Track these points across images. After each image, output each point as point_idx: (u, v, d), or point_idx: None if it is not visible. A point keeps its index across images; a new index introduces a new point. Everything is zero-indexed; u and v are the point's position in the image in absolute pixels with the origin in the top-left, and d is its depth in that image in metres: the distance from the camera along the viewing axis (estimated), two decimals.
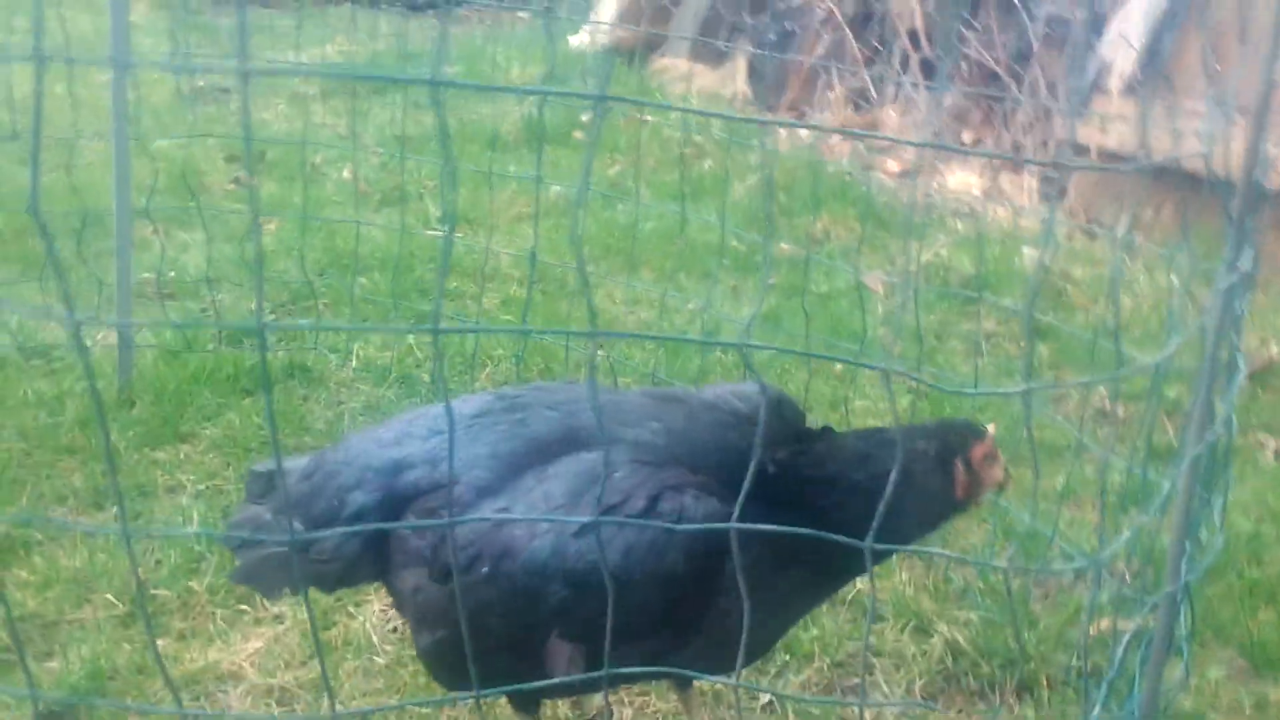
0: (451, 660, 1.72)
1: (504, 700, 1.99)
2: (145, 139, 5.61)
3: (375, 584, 2.01)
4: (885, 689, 2.25)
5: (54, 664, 2.20)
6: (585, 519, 1.60)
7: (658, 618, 1.65)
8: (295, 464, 1.94)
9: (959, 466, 1.75)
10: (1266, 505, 2.87)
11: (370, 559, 1.79)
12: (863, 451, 1.75)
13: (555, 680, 1.55)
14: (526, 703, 1.90)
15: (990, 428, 1.81)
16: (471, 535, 1.68)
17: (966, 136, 6.40)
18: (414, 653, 2.25)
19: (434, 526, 1.67)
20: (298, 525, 1.81)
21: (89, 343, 3.49)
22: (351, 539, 1.75)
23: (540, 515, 1.66)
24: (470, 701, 2.14)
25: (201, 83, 6.70)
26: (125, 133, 3.16)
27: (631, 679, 1.87)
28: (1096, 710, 1.69)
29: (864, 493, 1.66)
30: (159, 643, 2.26)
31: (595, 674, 1.31)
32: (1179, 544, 1.65)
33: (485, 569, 1.66)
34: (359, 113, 6.15)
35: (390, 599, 1.91)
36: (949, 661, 2.32)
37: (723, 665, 1.79)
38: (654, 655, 1.60)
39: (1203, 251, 4.58)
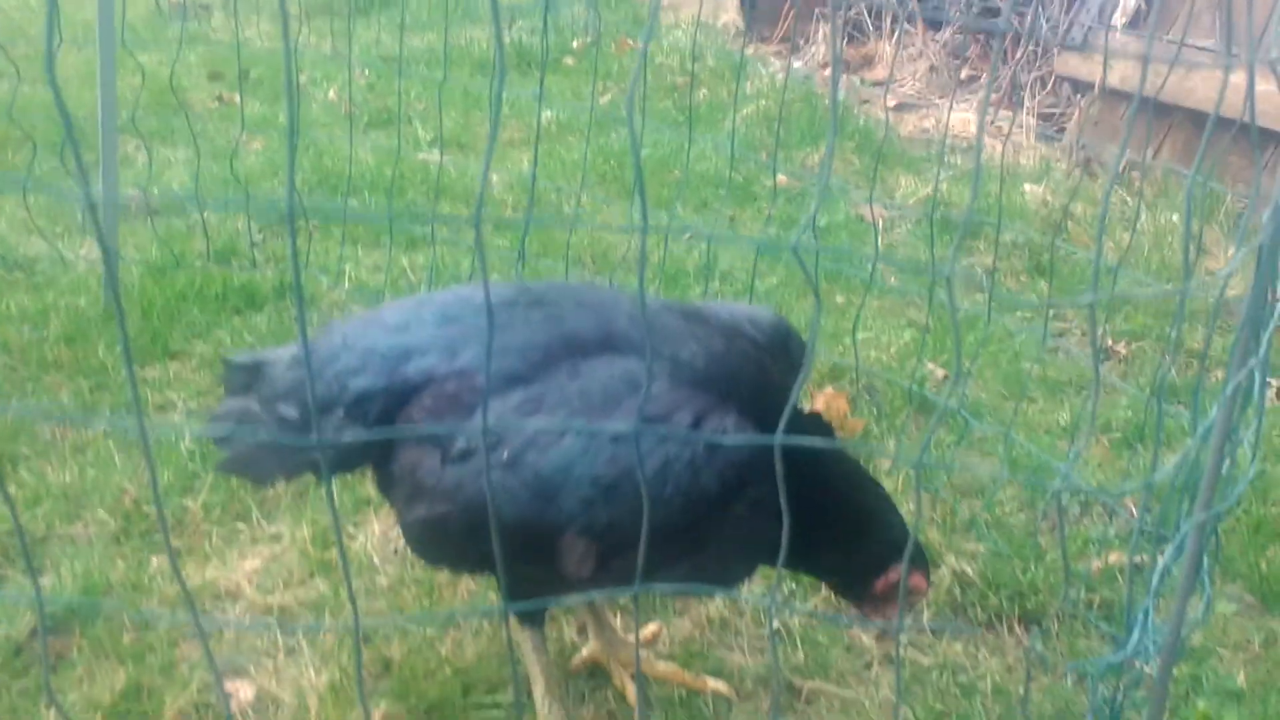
0: (442, 538, 1.70)
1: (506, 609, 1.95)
2: (125, 53, 5.46)
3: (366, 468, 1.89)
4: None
5: (46, 580, 2.14)
6: (624, 425, 1.56)
7: (674, 534, 1.61)
8: (280, 353, 1.88)
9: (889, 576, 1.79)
10: (1272, 445, 2.85)
11: (371, 444, 1.72)
12: (860, 502, 1.82)
13: (573, 588, 1.48)
14: (535, 608, 1.85)
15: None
16: (496, 420, 1.63)
17: (964, 73, 6.31)
18: (417, 574, 2.21)
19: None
20: (291, 412, 1.76)
21: (72, 257, 3.39)
22: (355, 422, 1.69)
23: (571, 419, 1.61)
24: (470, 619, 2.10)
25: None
26: (112, 42, 3.04)
27: (650, 589, 1.82)
28: (1129, 650, 1.66)
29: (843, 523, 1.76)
30: (153, 560, 2.21)
31: (628, 589, 1.25)
32: (1215, 470, 1.61)
33: (505, 455, 1.61)
34: (342, 33, 5.98)
35: (380, 483, 1.82)
36: (957, 593, 2.30)
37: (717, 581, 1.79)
38: (655, 569, 1.56)
39: (1207, 188, 4.55)
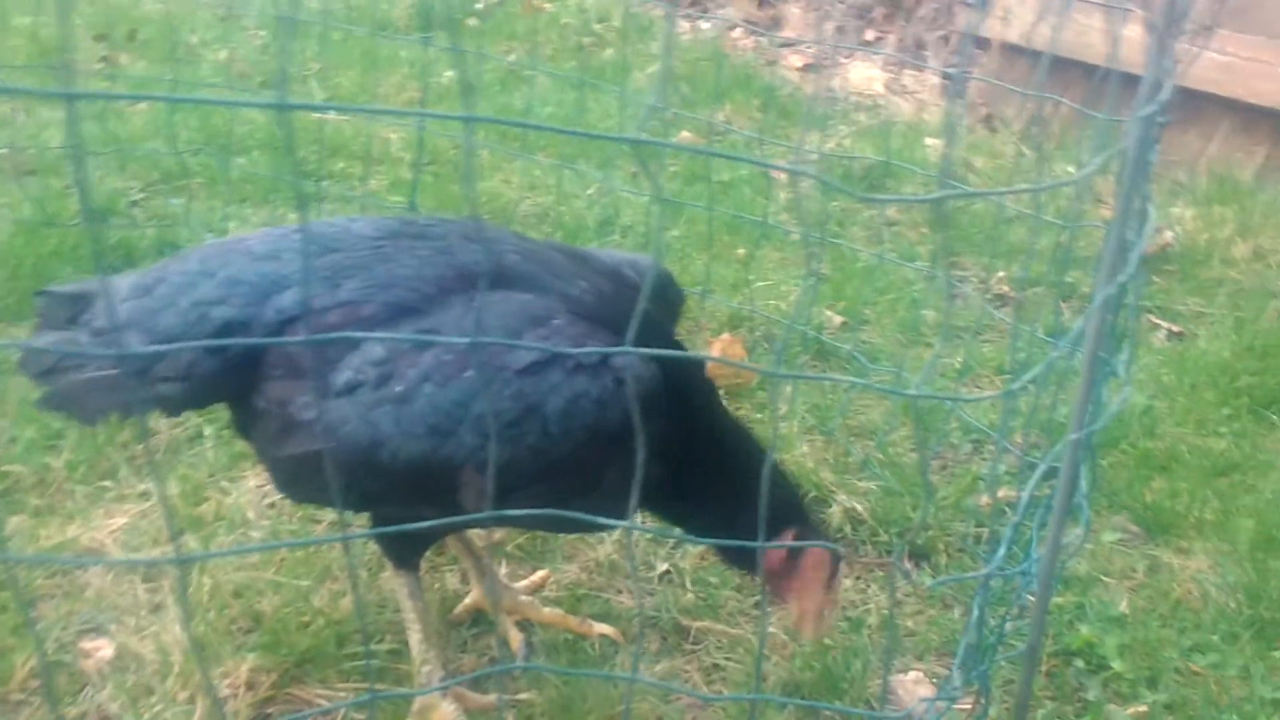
0: (318, 475, 1.59)
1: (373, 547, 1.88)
2: (5, 15, 5.22)
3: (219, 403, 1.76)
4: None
5: None
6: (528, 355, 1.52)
7: (575, 470, 1.57)
8: (115, 281, 1.75)
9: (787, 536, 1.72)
10: (1160, 382, 2.89)
11: (231, 377, 1.62)
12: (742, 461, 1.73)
13: (441, 521, 1.42)
14: (408, 553, 1.79)
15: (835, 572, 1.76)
16: (385, 352, 1.55)
17: (869, 35, 6.32)
18: (292, 527, 2.14)
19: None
20: (130, 342, 1.62)
21: None
22: (210, 355, 1.60)
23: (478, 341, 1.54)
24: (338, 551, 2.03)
25: None
26: None
27: (516, 521, 1.76)
28: (993, 567, 1.65)
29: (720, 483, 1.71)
30: (11, 520, 2.10)
31: (482, 515, 1.19)
32: (1086, 388, 1.60)
33: (399, 388, 1.54)
34: None
35: (239, 420, 1.72)
36: (848, 529, 2.29)
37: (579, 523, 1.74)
38: (552, 502, 1.52)
39: (1101, 143, 4.61)
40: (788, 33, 6.38)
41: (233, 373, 1.61)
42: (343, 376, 1.55)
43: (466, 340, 1.12)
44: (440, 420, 1.52)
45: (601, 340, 1.58)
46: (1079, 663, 1.96)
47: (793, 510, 1.76)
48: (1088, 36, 4.75)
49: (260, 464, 1.74)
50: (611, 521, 1.26)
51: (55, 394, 1.65)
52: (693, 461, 1.72)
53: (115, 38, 5.08)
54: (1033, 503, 2.24)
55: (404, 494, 1.57)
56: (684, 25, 6.36)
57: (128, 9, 5.44)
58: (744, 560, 1.81)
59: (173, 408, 1.70)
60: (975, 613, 1.65)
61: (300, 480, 1.65)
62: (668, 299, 2.01)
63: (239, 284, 1.64)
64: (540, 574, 2.11)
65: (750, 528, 1.70)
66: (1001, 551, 1.59)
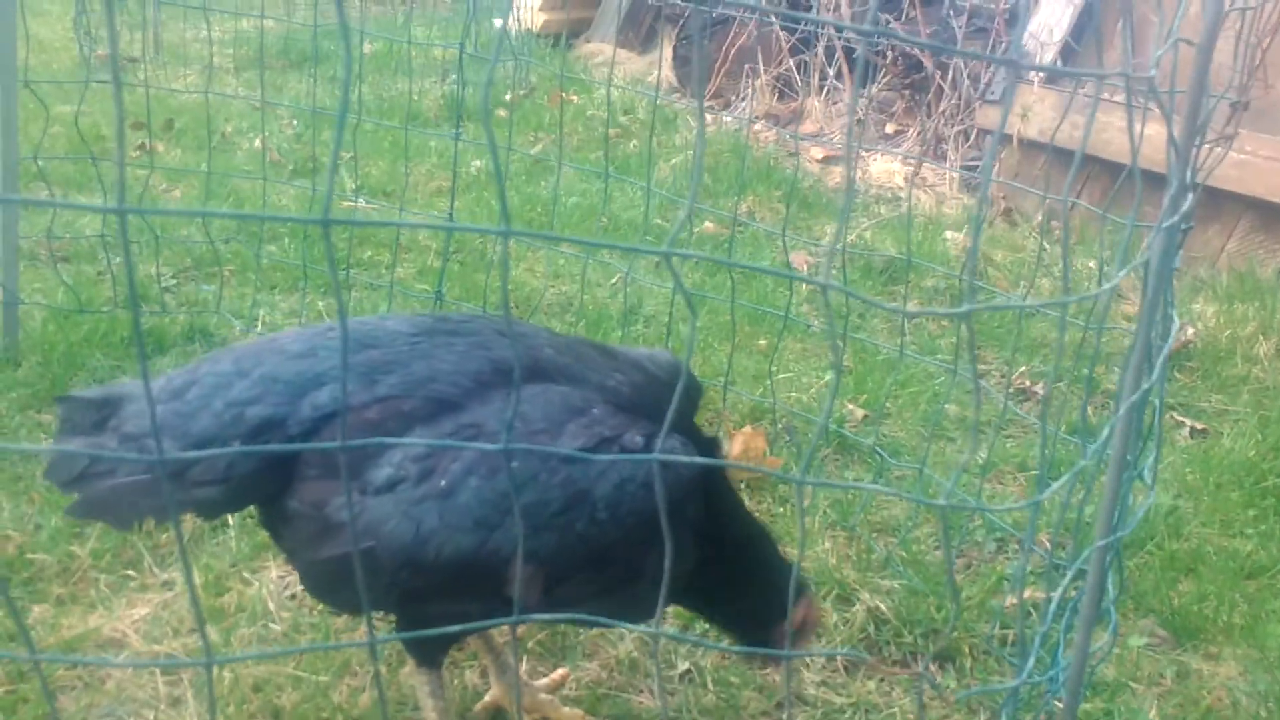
0: (353, 579, 1.59)
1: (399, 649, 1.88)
2: (44, 103, 5.37)
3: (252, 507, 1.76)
4: (807, 658, 2.18)
5: None
6: (574, 448, 1.55)
7: (623, 554, 1.58)
8: (137, 387, 1.75)
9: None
10: (1184, 481, 2.87)
11: (268, 477, 1.62)
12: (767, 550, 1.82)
13: (470, 626, 1.42)
14: (433, 651, 1.78)
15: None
16: (424, 448, 1.56)
17: (890, 128, 6.41)
18: (313, 619, 2.13)
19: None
20: (167, 448, 1.61)
21: None
22: (248, 457, 1.60)
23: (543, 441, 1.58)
24: (365, 659, 2.02)
25: (105, 51, 6.41)
26: (13, 83, 2.97)
27: (549, 619, 1.76)
28: (1023, 677, 1.63)
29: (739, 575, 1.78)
30: (35, 609, 2.10)
31: (503, 620, 1.20)
32: (1113, 494, 1.60)
33: (443, 482, 1.54)
34: (271, 86, 5.96)
35: (270, 521, 1.71)
36: (871, 630, 2.26)
37: (632, 618, 1.75)
38: (598, 591, 1.53)
39: (1122, 242, 4.64)
40: (809, 126, 6.49)
41: (270, 473, 1.61)
42: (382, 473, 1.56)
43: (498, 446, 1.12)
44: (487, 513, 1.53)
45: (640, 429, 1.60)
46: None
47: (798, 586, 1.80)
48: (1106, 134, 4.81)
49: (293, 567, 1.73)
50: (637, 627, 1.26)
51: (86, 501, 1.64)
52: (720, 550, 1.73)
53: (152, 126, 5.20)
54: (1059, 605, 2.22)
55: (449, 590, 1.57)
56: (706, 119, 6.47)
57: (165, 99, 5.57)
58: (759, 638, 1.82)
59: (209, 511, 1.70)
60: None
61: (337, 585, 1.63)
62: (688, 391, 2.03)
63: (274, 382, 1.65)
64: (560, 672, 2.09)
65: (767, 608, 1.75)
66: (1031, 660, 1.57)
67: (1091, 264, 4.43)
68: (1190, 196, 1.53)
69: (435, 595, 1.59)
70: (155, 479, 1.61)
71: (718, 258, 1.48)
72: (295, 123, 5.65)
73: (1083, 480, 2.58)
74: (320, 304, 3.52)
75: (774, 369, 3.21)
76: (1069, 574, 1.58)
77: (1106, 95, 4.89)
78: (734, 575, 1.74)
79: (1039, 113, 5.14)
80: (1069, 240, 4.71)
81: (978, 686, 2.14)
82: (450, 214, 3.39)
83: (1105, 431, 1.49)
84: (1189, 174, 1.56)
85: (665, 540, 1.17)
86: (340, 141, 0.90)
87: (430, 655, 1.78)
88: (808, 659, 2.18)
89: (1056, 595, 1.71)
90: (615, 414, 1.63)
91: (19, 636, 2.01)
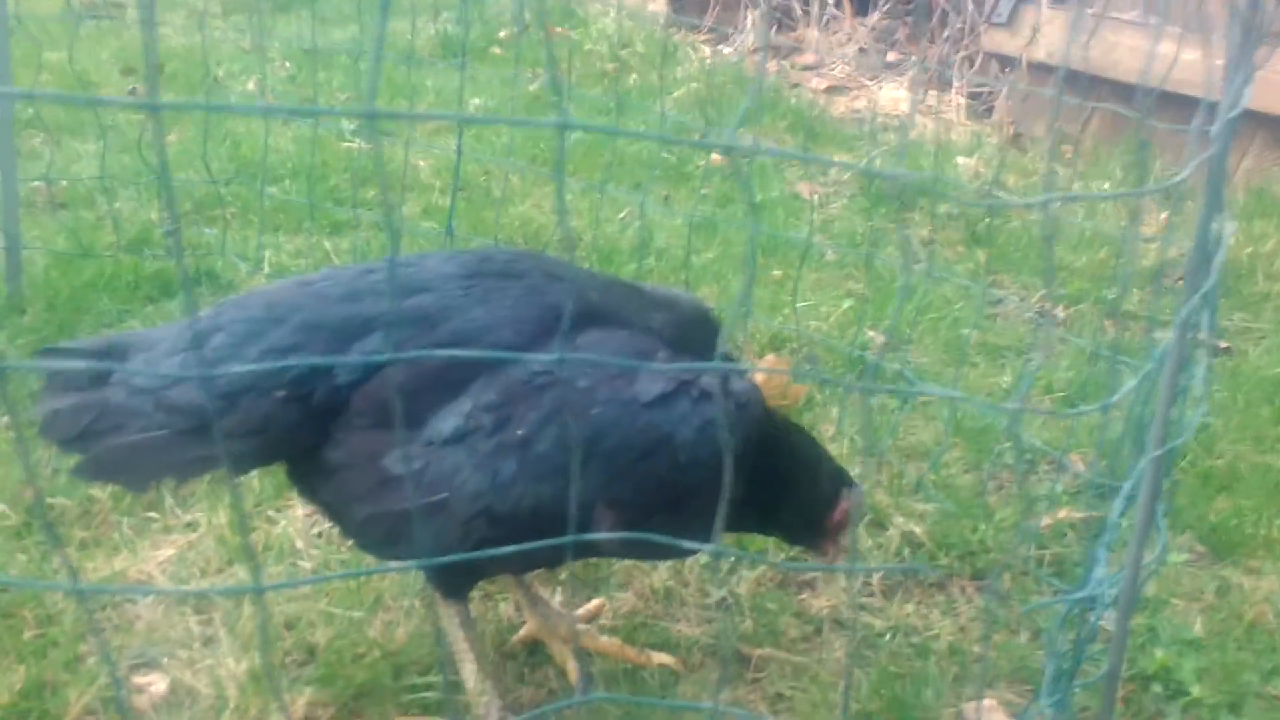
0: (403, 530, 1.55)
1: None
2: (33, 49, 5.25)
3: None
4: (842, 581, 2.16)
5: None
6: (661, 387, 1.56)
7: (702, 495, 1.54)
8: (152, 334, 1.66)
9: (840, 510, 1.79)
10: (1214, 400, 2.83)
11: (307, 430, 1.55)
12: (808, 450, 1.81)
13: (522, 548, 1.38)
14: (462, 584, 1.74)
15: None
16: (496, 397, 1.51)
17: (891, 56, 6.30)
18: (342, 556, 2.10)
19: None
20: (188, 398, 1.53)
21: None
22: (290, 406, 1.54)
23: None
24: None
25: None
26: (4, 30, 2.86)
27: (597, 549, 1.73)
28: (1096, 586, 1.60)
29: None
30: (57, 555, 2.06)
31: (560, 540, 1.15)
32: (1166, 403, 1.56)
33: (520, 431, 1.50)
34: (264, 28, 5.83)
35: (306, 476, 1.64)
36: (906, 554, 2.23)
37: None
38: (674, 533, 1.51)
39: (1130, 161, 4.57)
40: (809, 56, 6.37)
41: (310, 425, 1.55)
42: (449, 424, 1.51)
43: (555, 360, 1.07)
44: (568, 460, 1.49)
45: (713, 372, 1.57)
46: (1156, 687, 1.90)
47: (840, 473, 1.81)
48: (1115, 54, 4.72)
49: (333, 521, 1.67)
50: (702, 546, 1.22)
51: (94, 461, 1.56)
52: (772, 464, 1.71)
53: (143, 71, 5.09)
54: (1094, 524, 2.19)
55: (526, 539, 1.53)
56: (704, 50, 6.35)
57: (152, 44, 5.44)
58: (812, 539, 1.81)
59: (241, 466, 1.62)
60: (1059, 638, 1.60)
61: (394, 539, 1.58)
62: (718, 330, 1.99)
63: (317, 329, 1.58)
64: (596, 602, 2.06)
65: (814, 505, 1.73)
66: (1101, 570, 1.54)
67: (1107, 185, 4.36)
68: (1247, 92, 1.47)
69: (510, 543, 1.55)
70: (174, 435, 1.53)
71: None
72: (289, 64, 5.53)
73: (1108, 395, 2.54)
74: (327, 244, 3.45)
75: (788, 298, 3.17)
76: (1126, 487, 1.54)
77: (1116, 14, 4.80)
78: (787, 485, 1.71)
79: (1048, 34, 5.04)
80: (1079, 162, 4.64)
81: (1017, 607, 2.12)
82: (458, 149, 3.31)
83: (1168, 335, 1.45)
84: (1247, 68, 1.50)
85: (726, 475, 1.14)
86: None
87: (458, 589, 1.74)
88: (842, 585, 2.15)
89: (1117, 508, 1.67)
90: (678, 357, 1.60)
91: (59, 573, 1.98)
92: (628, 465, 1.54)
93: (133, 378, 1.58)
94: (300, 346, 1.58)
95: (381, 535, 1.62)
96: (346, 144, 4.43)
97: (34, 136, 4.09)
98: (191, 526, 2.17)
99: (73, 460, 1.56)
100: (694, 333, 1.75)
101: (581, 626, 1.98)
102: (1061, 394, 2.86)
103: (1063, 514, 2.32)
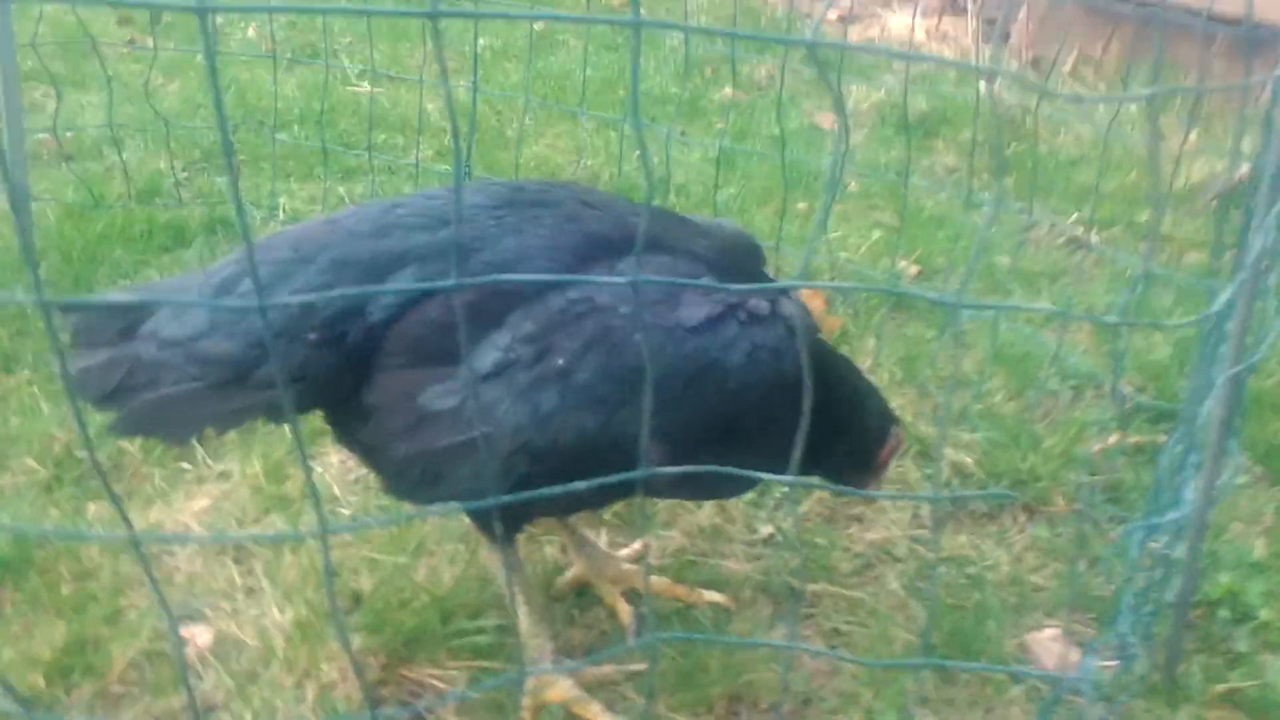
0: (454, 471, 1.49)
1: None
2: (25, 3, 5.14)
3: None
4: (892, 514, 2.11)
5: None
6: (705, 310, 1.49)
7: (755, 423, 1.49)
8: (177, 283, 1.61)
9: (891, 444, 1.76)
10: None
11: (345, 374, 1.49)
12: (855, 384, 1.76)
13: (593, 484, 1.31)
14: (507, 525, 1.69)
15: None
16: (535, 328, 1.45)
17: None
18: (382, 502, 2.05)
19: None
20: (223, 347, 1.48)
21: None
22: (327, 349, 1.48)
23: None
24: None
25: None
26: None
27: (664, 486, 1.68)
28: (1186, 510, 1.54)
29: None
30: (91, 507, 2.02)
31: (630, 475, 1.09)
32: (1244, 317, 1.50)
33: (560, 361, 1.44)
34: None
35: (344, 420, 1.58)
36: (957, 484, 2.19)
37: (745, 481, 1.69)
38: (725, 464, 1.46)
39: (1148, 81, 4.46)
40: None
41: (349, 368, 1.49)
42: (489, 358, 1.45)
43: (624, 281, 1.01)
44: (611, 390, 1.43)
45: (761, 294, 1.50)
46: (1223, 612, 1.86)
47: (886, 410, 1.77)
48: None
49: (372, 466, 1.61)
50: (776, 478, 1.16)
51: (131, 416, 1.50)
52: (818, 400, 1.65)
53: (139, 21, 4.98)
54: (1148, 449, 2.14)
55: (569, 475, 1.48)
56: None
57: None
58: (858, 474, 1.76)
59: (279, 414, 1.54)
60: (1133, 565, 1.55)
61: (434, 479, 1.51)
62: (760, 255, 1.93)
63: (347, 266, 1.51)
64: (641, 541, 2.02)
65: (865, 439, 1.69)
66: (1189, 494, 1.48)
67: (1133, 109, 4.26)
68: None
69: (552, 480, 1.49)
70: (208, 387, 1.48)
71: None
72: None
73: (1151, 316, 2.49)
74: (341, 189, 3.37)
75: (828, 230, 3.10)
76: (1204, 407, 1.49)
77: None
78: (838, 417, 1.65)
79: None
80: (1097, 82, 4.54)
81: (1070, 535, 2.07)
82: (475, 83, 3.22)
83: (1252, 247, 1.38)
84: None
85: (805, 398, 1.07)
86: None
87: (505, 532, 1.68)
88: (891, 517, 2.10)
89: (1194, 428, 1.62)
90: (723, 281, 1.53)
91: (78, 538, 1.94)
92: (674, 394, 1.48)
93: (162, 330, 1.52)
94: (331, 285, 1.52)
95: (419, 476, 1.57)
96: (352, 88, 4.34)
97: (36, 89, 4.00)
98: (225, 476, 2.12)
99: (108, 416, 1.50)
100: (738, 259, 1.70)
101: (629, 567, 1.93)
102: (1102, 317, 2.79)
103: (1113, 439, 2.27)
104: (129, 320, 1.54)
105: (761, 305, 1.53)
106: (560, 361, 1.47)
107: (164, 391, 1.50)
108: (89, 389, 1.52)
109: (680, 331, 1.47)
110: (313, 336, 1.50)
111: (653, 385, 1.46)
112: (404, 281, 1.53)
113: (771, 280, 1.85)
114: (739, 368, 1.49)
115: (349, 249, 1.55)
